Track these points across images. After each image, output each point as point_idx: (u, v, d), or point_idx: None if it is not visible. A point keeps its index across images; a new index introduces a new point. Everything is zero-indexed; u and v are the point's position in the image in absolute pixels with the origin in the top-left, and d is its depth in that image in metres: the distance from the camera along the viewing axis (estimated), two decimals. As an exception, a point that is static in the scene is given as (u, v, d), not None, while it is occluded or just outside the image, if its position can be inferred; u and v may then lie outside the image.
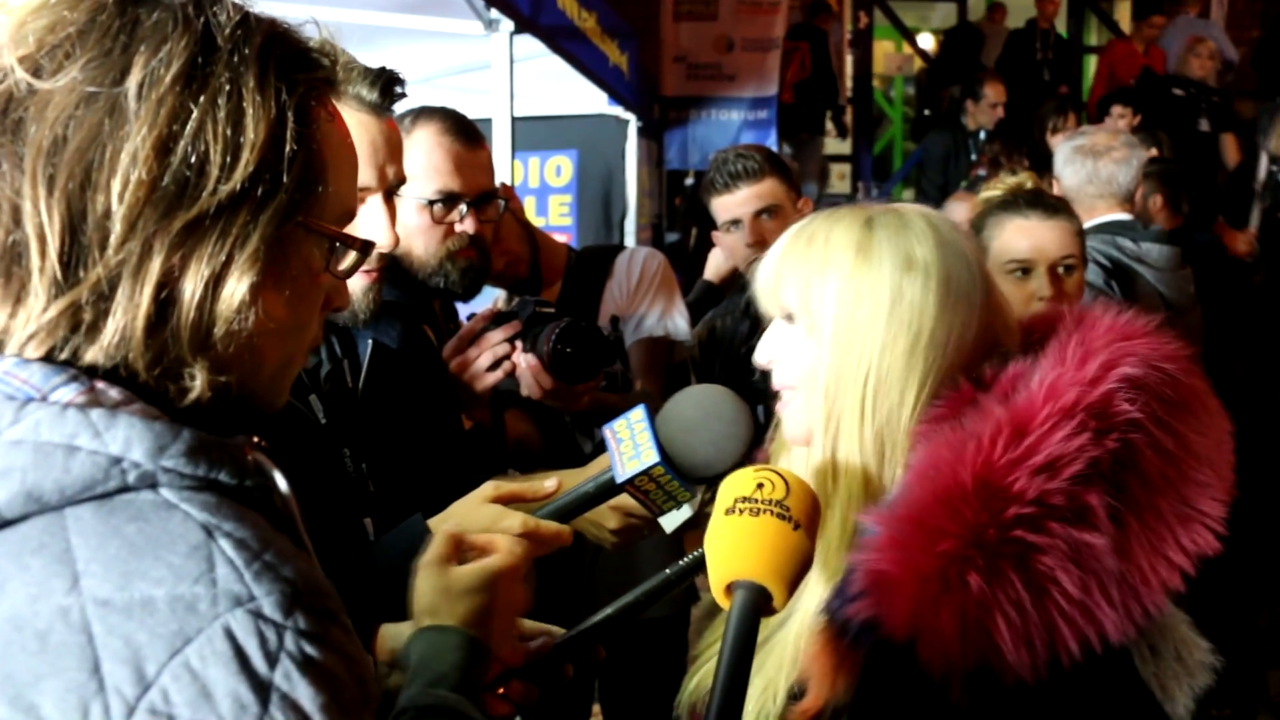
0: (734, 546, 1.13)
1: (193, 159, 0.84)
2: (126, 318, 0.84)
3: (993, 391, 1.26)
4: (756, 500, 1.14)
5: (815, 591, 1.33)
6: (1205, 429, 1.25)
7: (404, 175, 1.82)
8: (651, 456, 1.41)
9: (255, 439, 0.94)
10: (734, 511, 1.15)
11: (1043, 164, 6.35)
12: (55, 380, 0.82)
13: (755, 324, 3.00)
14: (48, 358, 0.84)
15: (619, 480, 1.44)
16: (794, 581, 1.12)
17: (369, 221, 1.71)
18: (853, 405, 1.30)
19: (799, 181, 3.36)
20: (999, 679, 1.13)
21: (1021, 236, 2.48)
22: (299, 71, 0.92)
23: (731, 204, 2.98)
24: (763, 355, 1.41)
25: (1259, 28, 9.87)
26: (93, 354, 0.84)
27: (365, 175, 1.70)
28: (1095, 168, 3.47)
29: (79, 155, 0.83)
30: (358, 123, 1.69)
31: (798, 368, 1.36)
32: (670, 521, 1.61)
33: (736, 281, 3.46)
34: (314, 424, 1.71)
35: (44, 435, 0.79)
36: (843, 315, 1.31)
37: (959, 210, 3.68)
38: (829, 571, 1.31)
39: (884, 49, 12.26)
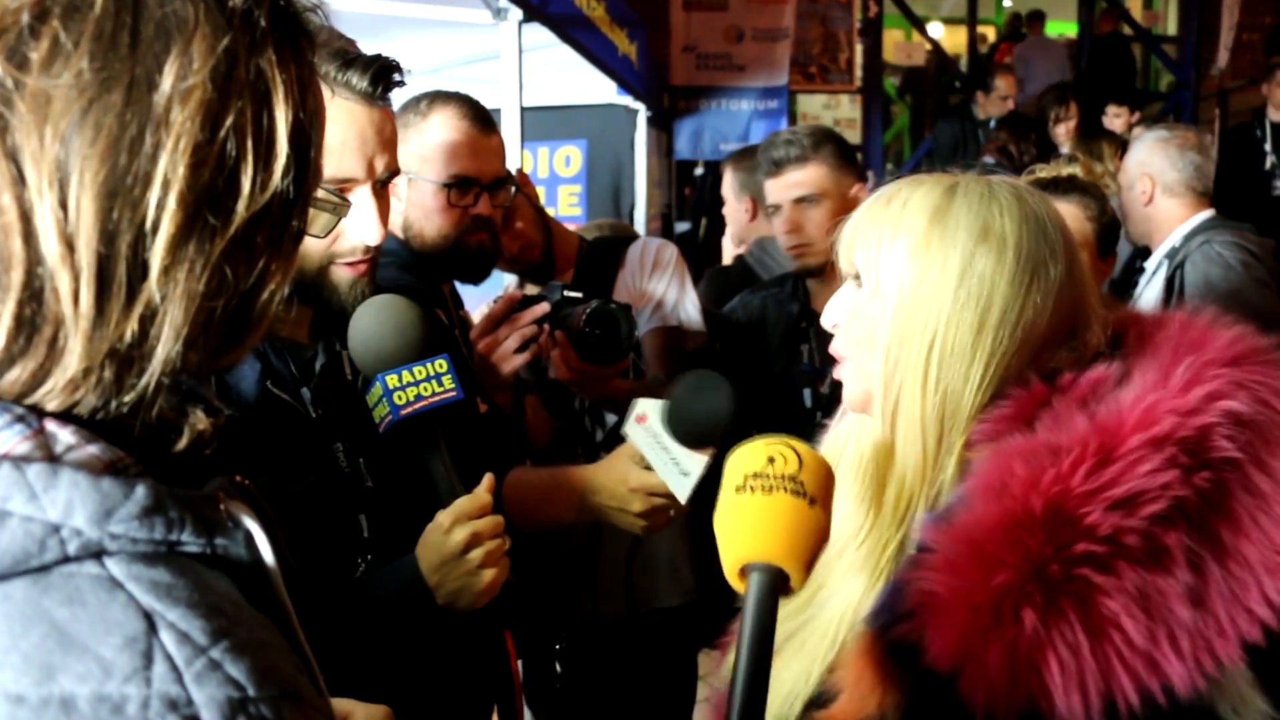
0: (747, 527, 1.06)
1: (231, 162, 0.75)
2: (168, 347, 0.74)
3: (1070, 395, 1.17)
4: (769, 476, 1.08)
5: (858, 579, 1.28)
6: None
7: (396, 166, 1.71)
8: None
9: (237, 478, 0.83)
10: (745, 489, 1.08)
11: (1049, 152, 6.35)
12: None
13: (804, 305, 2.96)
14: (72, 407, 0.73)
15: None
16: (812, 560, 1.06)
17: (357, 216, 1.63)
18: (914, 375, 1.24)
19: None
20: None
21: None
22: (301, 46, 0.83)
23: (773, 188, 2.93)
24: (829, 317, 1.37)
25: (1271, 14, 9.79)
26: (123, 395, 0.74)
27: (353, 166, 1.62)
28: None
29: (106, 170, 0.71)
30: (346, 111, 1.61)
31: (859, 331, 1.32)
32: (683, 489, 1.65)
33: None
34: (304, 419, 1.64)
35: None
36: (909, 280, 1.25)
37: None
38: (879, 551, 1.27)
39: (893, 38, 12.23)
